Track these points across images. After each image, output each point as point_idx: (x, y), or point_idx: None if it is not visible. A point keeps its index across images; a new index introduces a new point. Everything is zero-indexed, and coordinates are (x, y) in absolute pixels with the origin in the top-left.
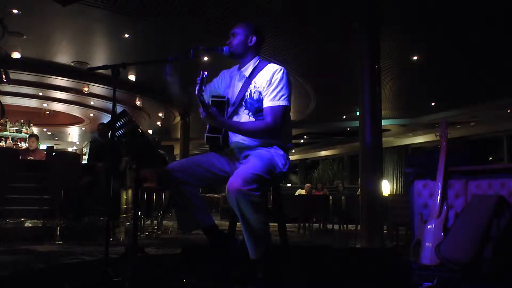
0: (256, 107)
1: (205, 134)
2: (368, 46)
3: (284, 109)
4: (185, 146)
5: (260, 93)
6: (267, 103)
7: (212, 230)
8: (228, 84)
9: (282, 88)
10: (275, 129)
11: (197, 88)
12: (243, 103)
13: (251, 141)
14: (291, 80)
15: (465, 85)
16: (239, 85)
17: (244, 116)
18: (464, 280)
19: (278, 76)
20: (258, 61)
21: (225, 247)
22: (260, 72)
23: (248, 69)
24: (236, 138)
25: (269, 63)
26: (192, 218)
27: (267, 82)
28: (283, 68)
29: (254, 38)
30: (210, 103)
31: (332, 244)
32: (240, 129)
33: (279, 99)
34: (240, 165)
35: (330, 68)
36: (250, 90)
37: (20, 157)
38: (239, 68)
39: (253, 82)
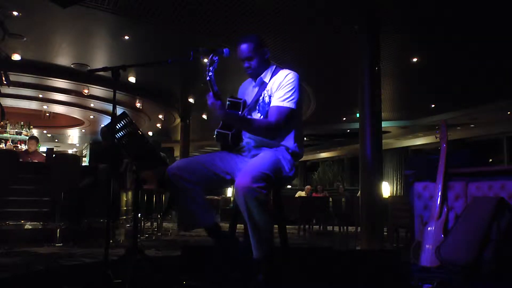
0: (267, 111)
1: (215, 130)
2: (368, 48)
3: (290, 112)
4: (185, 148)
5: (271, 96)
6: (274, 103)
7: (214, 228)
8: (243, 92)
9: (291, 91)
10: (276, 129)
11: (208, 70)
12: (257, 106)
13: (262, 141)
14: (303, 86)
15: (465, 87)
16: (255, 90)
17: None
18: (464, 282)
19: (289, 79)
20: (274, 67)
21: (225, 248)
22: (274, 76)
23: (267, 76)
24: (248, 138)
25: (283, 69)
26: (192, 216)
27: (278, 85)
28: (295, 73)
29: (266, 50)
30: (227, 103)
31: (332, 246)
32: (244, 123)
33: (287, 101)
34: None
35: (330, 69)
36: (264, 94)
37: (20, 159)
38: (257, 76)
39: (267, 86)
